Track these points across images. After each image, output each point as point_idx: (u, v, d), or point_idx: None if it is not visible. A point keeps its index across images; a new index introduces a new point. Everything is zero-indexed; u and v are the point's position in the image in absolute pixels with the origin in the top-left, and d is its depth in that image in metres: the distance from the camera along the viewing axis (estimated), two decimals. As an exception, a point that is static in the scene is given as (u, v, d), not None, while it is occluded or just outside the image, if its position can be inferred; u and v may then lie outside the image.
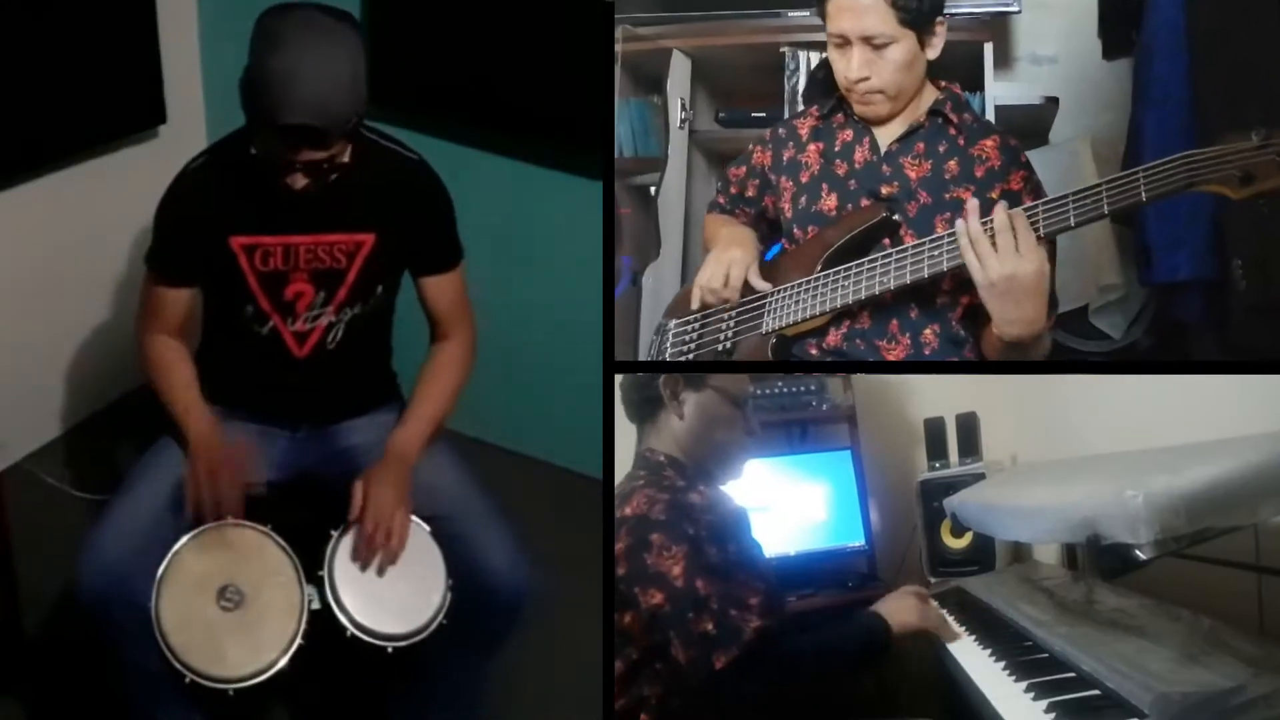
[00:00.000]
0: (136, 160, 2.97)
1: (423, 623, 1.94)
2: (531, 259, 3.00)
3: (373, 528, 1.95)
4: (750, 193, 2.18)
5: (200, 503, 1.92)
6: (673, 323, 2.13)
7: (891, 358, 1.90)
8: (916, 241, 1.84)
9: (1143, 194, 1.61)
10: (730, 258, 2.05)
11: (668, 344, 2.12)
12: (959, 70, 2.43)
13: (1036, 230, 1.68)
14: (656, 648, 1.60)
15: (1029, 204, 1.72)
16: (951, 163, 1.93)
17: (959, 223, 1.73)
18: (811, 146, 2.06)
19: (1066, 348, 2.58)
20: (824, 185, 2.01)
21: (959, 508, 2.28)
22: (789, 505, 2.75)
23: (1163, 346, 2.53)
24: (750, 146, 2.19)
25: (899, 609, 1.78)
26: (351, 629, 1.91)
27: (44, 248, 2.86)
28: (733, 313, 2.03)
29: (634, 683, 1.62)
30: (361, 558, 1.96)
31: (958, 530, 2.56)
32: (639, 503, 1.65)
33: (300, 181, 1.84)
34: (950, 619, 1.88)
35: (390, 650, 1.93)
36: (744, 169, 2.19)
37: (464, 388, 2.19)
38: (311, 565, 1.95)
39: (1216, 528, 1.30)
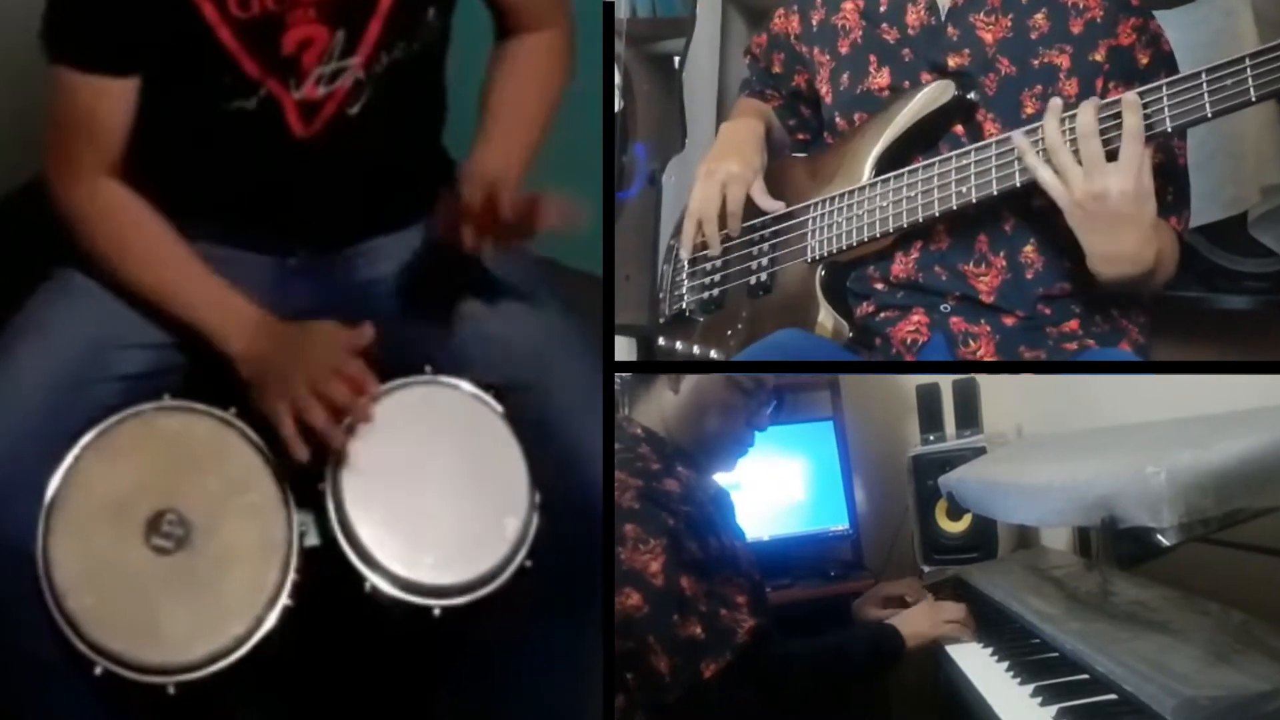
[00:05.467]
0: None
1: (492, 565, 1.49)
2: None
3: (483, 193, 1.45)
4: (776, 68, 2.02)
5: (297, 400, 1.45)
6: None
7: (982, 286, 1.75)
8: (1003, 135, 1.66)
9: None
10: (725, 175, 1.88)
11: (683, 276, 2.00)
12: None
13: (1159, 123, 1.50)
14: (627, 656, 1.56)
15: (1149, 87, 1.52)
16: (1038, 16, 1.73)
17: (1015, 135, 1.59)
18: (848, 5, 1.86)
19: (1220, 268, 2.42)
20: (870, 57, 1.82)
21: (956, 486, 2.26)
22: (763, 484, 2.73)
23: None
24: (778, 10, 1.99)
25: (912, 618, 1.82)
26: (373, 579, 1.46)
27: None
28: (767, 234, 1.89)
29: None
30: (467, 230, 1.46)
31: (955, 512, 2.55)
32: None
33: None
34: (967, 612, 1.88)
35: (438, 613, 1.46)
36: (765, 37, 2.03)
37: (556, 109, 1.66)
38: (305, 475, 1.48)
39: (1249, 509, 1.27)
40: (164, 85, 1.54)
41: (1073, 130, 1.54)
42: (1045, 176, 1.56)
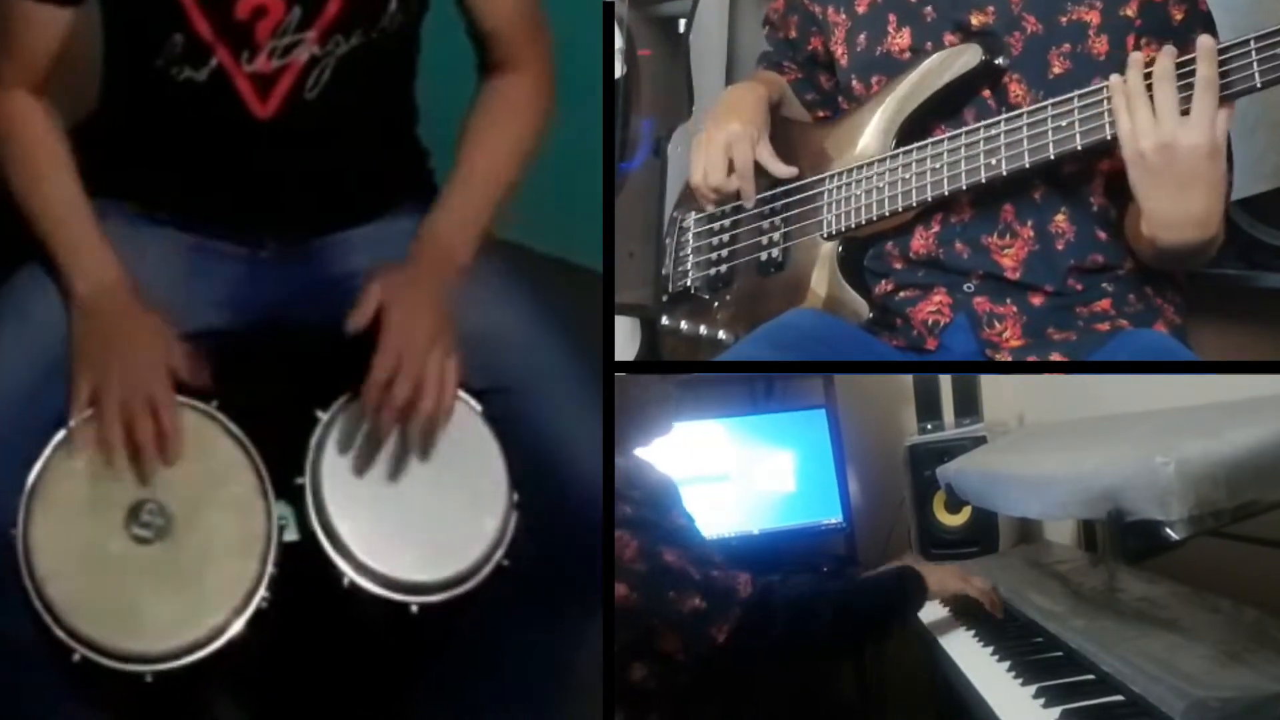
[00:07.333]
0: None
1: (470, 564, 1.55)
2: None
3: (393, 369, 1.51)
4: (792, 33, 1.99)
5: (106, 417, 1.49)
6: (691, 218, 1.99)
7: (1007, 261, 1.72)
8: (1035, 106, 1.64)
9: None
10: (728, 136, 1.84)
11: (688, 251, 1.99)
12: None
13: (1247, 79, 1.44)
14: (630, 648, 1.58)
15: (1234, 41, 1.45)
16: None
17: (1113, 78, 1.53)
18: None
19: (1261, 243, 2.30)
20: (889, 17, 1.79)
21: (955, 478, 2.27)
22: (752, 476, 2.75)
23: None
24: None
25: (936, 569, 1.85)
26: (351, 574, 1.52)
27: None
28: (779, 206, 1.87)
29: None
30: (376, 427, 1.54)
31: (954, 504, 2.57)
32: None
33: None
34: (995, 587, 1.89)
35: (415, 610, 1.52)
36: (782, 1, 2.00)
37: (534, 153, 1.71)
38: (285, 468, 1.55)
39: (1262, 501, 1.28)
40: (117, 35, 1.61)
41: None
42: (1123, 123, 1.51)
